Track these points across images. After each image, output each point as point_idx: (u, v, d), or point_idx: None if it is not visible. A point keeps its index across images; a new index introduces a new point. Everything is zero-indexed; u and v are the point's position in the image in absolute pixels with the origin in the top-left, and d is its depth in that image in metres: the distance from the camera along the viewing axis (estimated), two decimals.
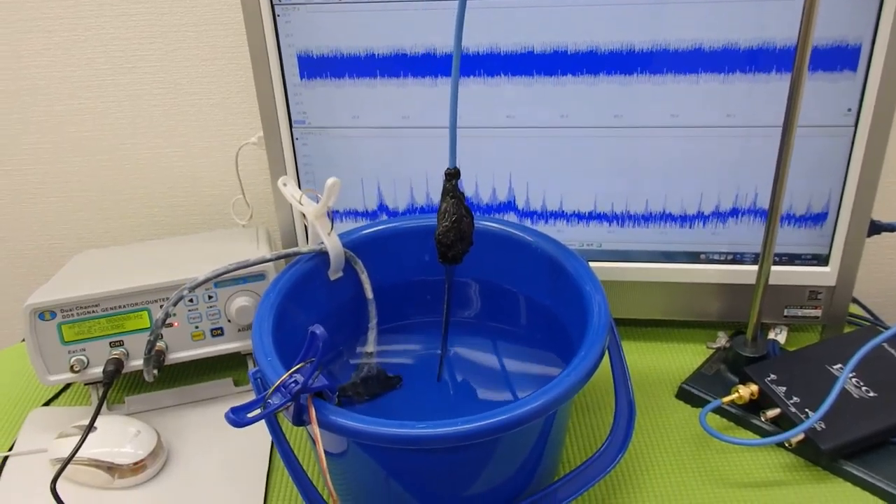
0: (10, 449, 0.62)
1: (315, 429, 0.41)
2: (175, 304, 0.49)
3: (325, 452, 0.47)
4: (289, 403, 0.41)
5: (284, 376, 0.41)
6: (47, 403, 0.67)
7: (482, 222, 0.60)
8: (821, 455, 0.55)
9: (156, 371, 0.56)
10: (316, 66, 0.63)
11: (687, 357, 0.69)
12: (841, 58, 0.57)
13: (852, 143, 0.59)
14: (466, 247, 0.52)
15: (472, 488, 0.46)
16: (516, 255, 0.59)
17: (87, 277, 0.64)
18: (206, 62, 0.80)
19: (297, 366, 0.41)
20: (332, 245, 0.57)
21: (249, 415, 0.40)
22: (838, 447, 0.55)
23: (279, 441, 0.46)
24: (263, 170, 0.85)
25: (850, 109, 0.58)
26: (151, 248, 0.72)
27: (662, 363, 0.69)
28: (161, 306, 0.62)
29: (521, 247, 0.59)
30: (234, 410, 0.39)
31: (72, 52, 0.79)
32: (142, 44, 0.79)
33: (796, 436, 0.54)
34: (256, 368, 0.47)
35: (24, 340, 0.77)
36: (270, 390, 0.41)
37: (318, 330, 0.40)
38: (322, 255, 0.57)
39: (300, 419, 0.42)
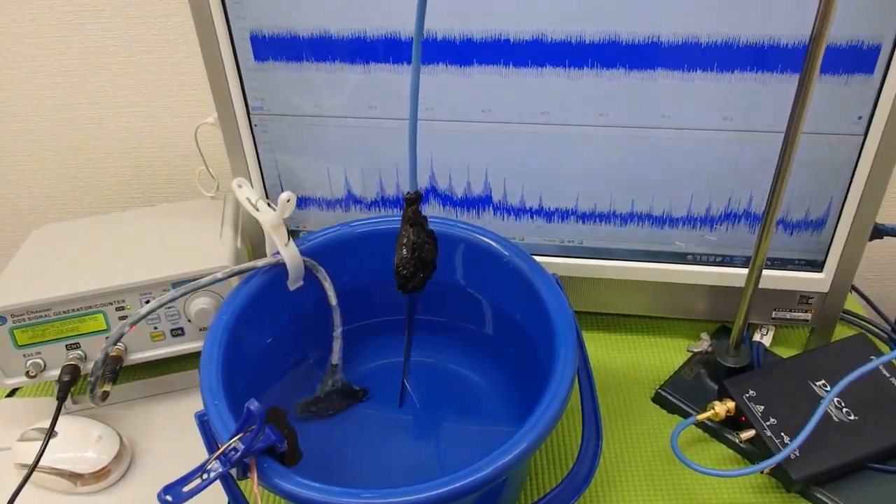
0: None
1: (255, 491, 0.39)
2: (115, 343, 0.47)
3: None
4: (231, 469, 0.39)
5: (222, 448, 0.39)
6: (11, 395, 0.66)
7: (458, 227, 0.56)
8: (791, 483, 0.53)
9: (108, 389, 0.55)
10: (271, 48, 0.56)
11: (667, 354, 0.67)
12: (855, 59, 0.50)
13: (860, 151, 0.54)
14: (429, 274, 0.48)
15: None
16: (487, 263, 0.56)
17: (39, 274, 0.61)
18: (162, 18, 0.73)
19: (236, 437, 0.39)
20: (290, 255, 0.53)
21: (186, 488, 0.38)
22: (810, 477, 0.53)
23: (234, 493, 0.45)
24: None
25: (860, 117, 0.53)
26: (111, 228, 0.69)
27: (641, 360, 0.66)
28: (116, 308, 0.59)
29: (494, 258, 0.55)
30: (167, 489, 0.37)
31: (16, 6, 0.72)
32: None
33: (769, 466, 0.53)
34: (203, 410, 0.45)
35: None
36: (210, 460, 0.39)
37: (253, 406, 0.37)
38: (280, 266, 0.54)
39: (245, 476, 0.41)
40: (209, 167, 0.74)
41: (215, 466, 0.39)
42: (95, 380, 0.46)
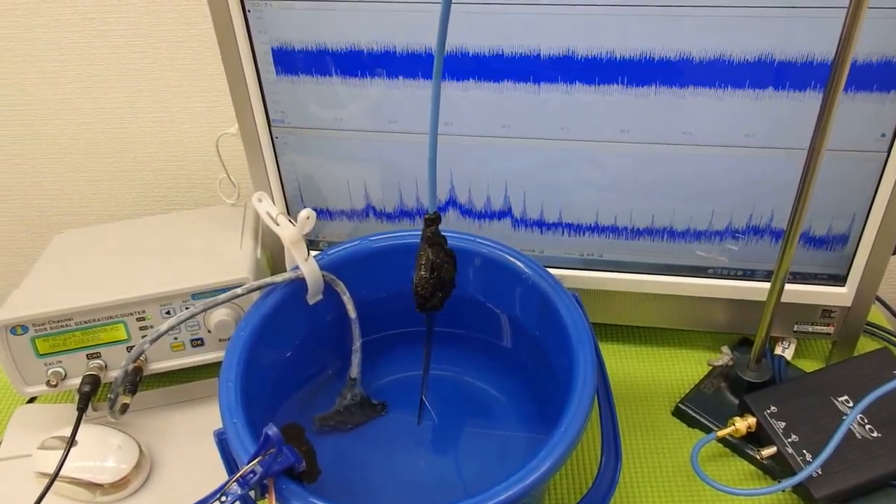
0: None
1: None
2: (135, 360, 0.47)
3: None
4: (249, 491, 0.39)
5: (240, 472, 0.39)
6: (31, 401, 0.67)
7: (478, 243, 0.55)
8: (814, 502, 0.53)
9: (128, 401, 0.55)
10: (292, 63, 0.56)
11: (688, 366, 0.66)
12: (882, 78, 0.50)
13: (883, 168, 0.53)
14: (448, 293, 0.48)
15: None
16: (507, 280, 0.56)
17: (61, 282, 0.62)
18: (185, 26, 0.73)
19: (255, 460, 0.39)
20: (310, 271, 0.54)
21: None
22: (832, 495, 0.53)
23: None
24: None
25: (883, 135, 0.52)
26: (132, 235, 0.69)
27: (662, 372, 0.66)
28: (137, 318, 0.59)
29: (513, 273, 0.55)
30: None
31: (40, 13, 0.73)
32: (114, 4, 0.72)
33: (791, 485, 0.52)
34: (221, 429, 0.45)
35: None
36: (228, 483, 0.39)
37: (272, 431, 0.38)
38: (299, 280, 0.54)
39: (264, 496, 0.41)
40: (230, 175, 0.74)
41: (234, 489, 0.39)
42: (115, 396, 0.46)
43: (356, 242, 0.57)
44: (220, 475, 0.57)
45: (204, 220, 0.71)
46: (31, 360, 0.59)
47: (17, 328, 0.58)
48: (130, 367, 0.46)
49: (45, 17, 0.73)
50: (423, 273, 0.46)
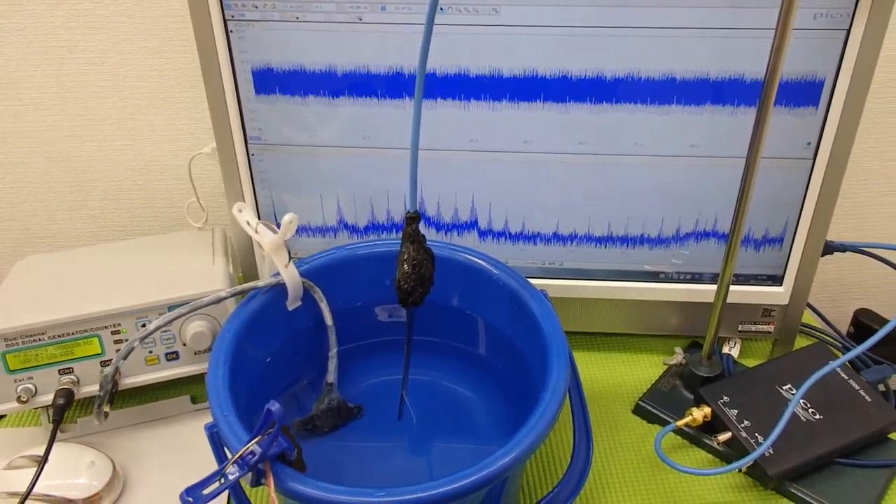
0: None
1: (272, 496, 0.41)
2: (125, 357, 0.48)
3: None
4: (247, 473, 0.40)
5: (242, 451, 0.40)
6: None
7: (449, 250, 0.59)
8: (768, 479, 0.57)
9: (108, 409, 0.55)
10: (271, 83, 0.59)
11: (644, 369, 0.70)
12: (804, 94, 0.57)
13: (810, 174, 0.60)
14: (427, 289, 0.51)
15: None
16: (480, 284, 0.59)
17: (31, 299, 0.61)
18: (156, 54, 0.75)
19: (255, 439, 0.40)
20: (290, 276, 0.56)
21: (206, 491, 0.39)
22: (784, 472, 0.57)
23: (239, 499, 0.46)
24: (217, 170, 0.82)
25: (809, 143, 0.58)
26: (100, 258, 0.69)
27: (620, 375, 0.70)
28: (112, 332, 0.60)
29: (484, 277, 0.58)
30: (188, 491, 0.38)
31: (8, 41, 0.74)
32: (86, 34, 0.74)
33: (746, 464, 0.56)
34: (213, 423, 0.46)
35: None
36: (228, 464, 0.40)
37: (274, 407, 0.39)
38: (279, 286, 0.56)
39: (258, 482, 0.42)
40: (199, 198, 0.76)
41: (233, 471, 0.40)
42: (105, 394, 0.47)
43: (333, 251, 0.60)
44: None
45: (172, 243, 0.72)
46: (0, 376, 0.58)
47: None
48: (121, 364, 0.47)
49: (14, 45, 0.74)
50: (405, 268, 0.49)
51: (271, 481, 0.41)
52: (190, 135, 0.80)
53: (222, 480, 0.40)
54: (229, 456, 0.43)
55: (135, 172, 0.83)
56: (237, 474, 0.40)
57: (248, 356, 0.53)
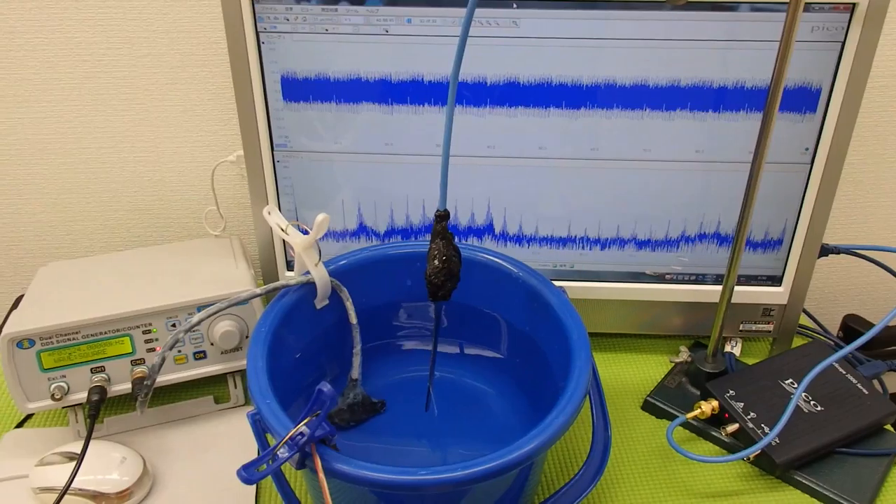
0: None
1: (321, 477, 0.43)
2: (171, 348, 0.50)
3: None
4: (296, 454, 0.43)
5: (293, 431, 0.42)
6: (20, 425, 0.67)
7: (468, 251, 0.61)
8: (775, 467, 0.60)
9: (144, 399, 0.57)
10: (299, 90, 0.62)
11: (651, 368, 0.73)
12: (803, 101, 0.61)
13: (808, 178, 0.64)
14: (454, 284, 0.54)
15: None
16: (499, 284, 0.62)
17: (63, 300, 0.63)
18: (176, 69, 0.78)
19: (305, 420, 0.43)
20: (320, 276, 0.58)
21: (259, 469, 0.41)
22: (791, 460, 0.60)
23: (284, 489, 0.48)
24: (236, 179, 0.84)
25: (807, 149, 0.62)
26: (123, 263, 0.71)
27: (628, 375, 0.73)
28: (143, 332, 0.62)
29: (504, 276, 0.61)
30: (244, 468, 0.41)
31: (36, 55, 0.76)
32: (109, 48, 0.76)
33: (754, 452, 0.59)
34: (255, 410, 0.48)
35: None
36: (279, 444, 0.42)
37: (326, 388, 0.42)
38: (308, 285, 0.58)
39: (303, 465, 0.44)
40: (218, 207, 0.78)
41: (283, 452, 0.43)
42: (152, 382, 0.48)
43: (358, 252, 0.62)
44: (222, 487, 0.59)
45: (192, 249, 0.73)
46: (34, 374, 0.60)
47: (24, 342, 0.59)
48: (167, 354, 0.49)
49: (41, 60, 0.77)
50: (436, 263, 0.52)
51: (319, 462, 0.43)
52: (207, 147, 0.82)
53: (272, 460, 0.42)
54: (271, 442, 0.45)
55: (151, 183, 0.85)
56: (287, 455, 0.42)
57: (282, 351, 0.55)
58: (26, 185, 0.84)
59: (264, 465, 0.43)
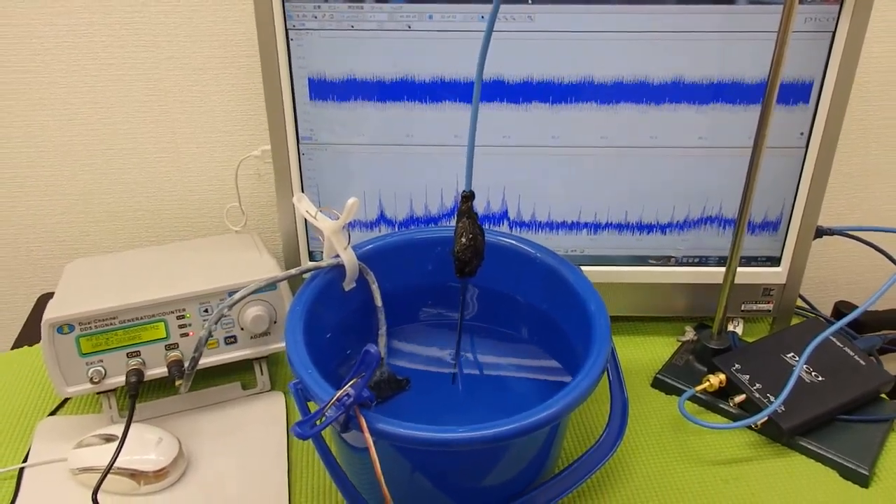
0: (25, 460, 0.63)
1: (367, 436, 0.46)
2: (217, 322, 0.53)
3: (346, 448, 0.52)
4: (343, 414, 0.45)
5: (340, 392, 0.45)
6: (53, 413, 0.69)
7: (489, 236, 0.65)
8: (782, 433, 0.63)
9: (181, 384, 0.59)
10: (324, 85, 0.66)
11: (658, 349, 0.77)
12: (797, 92, 0.65)
13: (803, 161, 0.68)
14: (480, 261, 0.57)
15: (493, 479, 0.52)
16: (520, 266, 0.65)
17: (98, 289, 0.65)
18: (199, 71, 0.81)
19: (351, 381, 0.45)
20: (349, 259, 0.61)
21: (313, 425, 0.44)
22: (796, 426, 0.63)
23: (324, 452, 0.51)
24: (252, 178, 0.87)
25: (802, 133, 0.67)
26: (150, 257, 0.73)
27: (637, 355, 0.76)
28: (177, 317, 0.64)
29: (524, 258, 0.64)
30: (299, 424, 0.44)
31: (62, 59, 0.79)
32: (135, 50, 0.79)
33: (762, 419, 0.63)
34: (297, 380, 0.51)
35: (13, 349, 0.78)
36: (328, 404, 0.45)
37: (373, 349, 0.44)
38: (337, 268, 0.61)
39: (347, 427, 0.47)
40: (240, 202, 0.81)
41: (331, 412, 0.45)
42: (199, 355, 0.51)
43: (384, 238, 0.65)
44: (254, 468, 0.62)
45: (215, 243, 0.76)
46: (73, 359, 0.62)
47: (64, 327, 0.61)
48: (213, 329, 0.51)
49: (66, 62, 0.80)
50: (463, 241, 0.55)
51: (364, 423, 0.46)
52: (226, 147, 0.85)
53: (322, 419, 0.45)
54: (312, 409, 0.48)
55: (171, 183, 0.87)
56: (335, 414, 0.45)
57: (315, 330, 0.58)
58: (49, 185, 0.86)
59: (319, 421, 0.45)
